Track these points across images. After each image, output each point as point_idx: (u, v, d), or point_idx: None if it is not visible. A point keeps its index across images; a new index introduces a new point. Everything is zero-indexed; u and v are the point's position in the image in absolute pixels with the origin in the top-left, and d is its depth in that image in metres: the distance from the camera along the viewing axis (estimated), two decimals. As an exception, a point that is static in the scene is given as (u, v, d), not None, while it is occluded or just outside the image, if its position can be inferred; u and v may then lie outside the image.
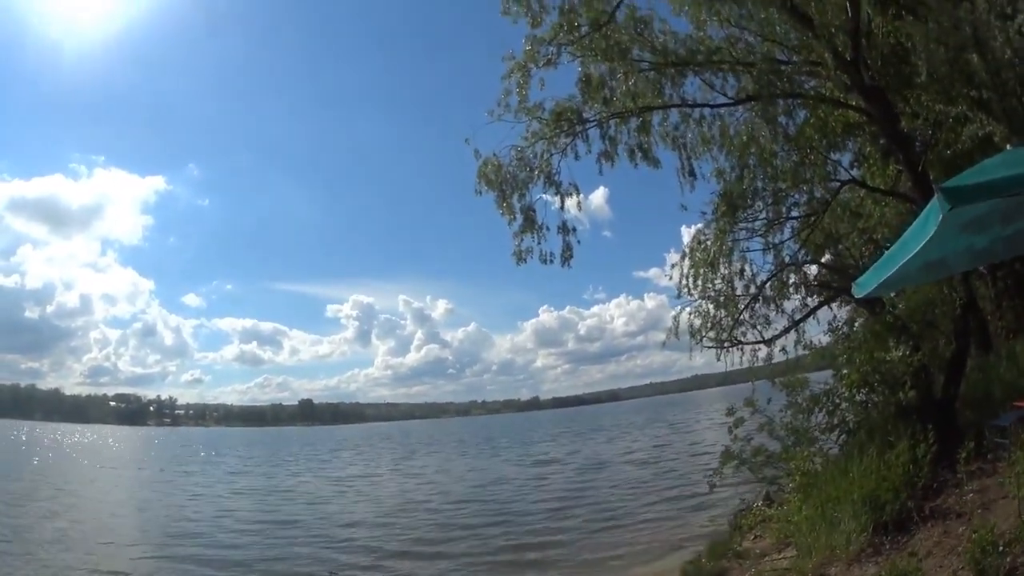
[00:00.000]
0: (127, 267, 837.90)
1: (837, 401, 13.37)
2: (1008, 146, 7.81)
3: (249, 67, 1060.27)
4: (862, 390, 12.67)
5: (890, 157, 14.75)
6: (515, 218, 14.90)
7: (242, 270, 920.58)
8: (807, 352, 16.21)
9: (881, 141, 15.09)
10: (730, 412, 15.80)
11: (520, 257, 14.95)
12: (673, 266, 16.84)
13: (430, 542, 18.80)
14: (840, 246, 16.11)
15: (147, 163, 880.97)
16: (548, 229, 14.91)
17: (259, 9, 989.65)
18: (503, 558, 16.63)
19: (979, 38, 11.61)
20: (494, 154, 14.77)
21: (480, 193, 14.98)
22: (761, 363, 16.39)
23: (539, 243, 14.89)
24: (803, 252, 16.18)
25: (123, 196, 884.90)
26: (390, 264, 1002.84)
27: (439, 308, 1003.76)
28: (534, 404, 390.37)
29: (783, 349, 16.28)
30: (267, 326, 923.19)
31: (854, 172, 16.06)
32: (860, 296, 8.89)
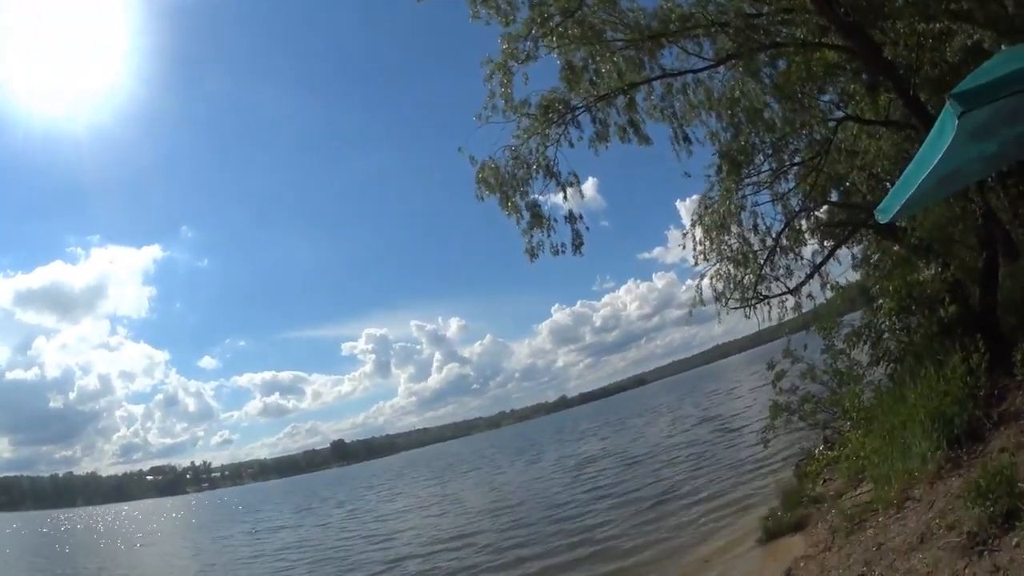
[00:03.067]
0: (139, 341, 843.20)
1: (880, 330, 13.32)
2: (1002, 46, 7.82)
3: (226, 124, 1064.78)
4: (902, 316, 12.64)
5: (876, 90, 14.78)
6: (522, 216, 14.95)
7: (252, 324, 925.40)
8: (835, 294, 16.39)
9: (863, 76, 15.16)
10: (771, 366, 15.82)
11: (532, 253, 14.95)
12: (685, 234, 16.97)
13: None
14: (846, 185, 16.17)
15: (141, 234, 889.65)
16: (556, 221, 14.98)
17: (231, 65, 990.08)
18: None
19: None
20: (490, 157, 14.81)
21: (482, 199, 14.99)
22: (791, 314, 16.51)
23: (549, 236, 14.94)
24: (810, 198, 16.23)
25: (123, 271, 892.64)
26: (396, 293, 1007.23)
27: (452, 326, 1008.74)
28: (562, 404, 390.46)
29: (810, 295, 16.38)
30: (286, 375, 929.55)
31: (839, 112, 16.14)
32: (884, 221, 8.88)
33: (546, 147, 14.81)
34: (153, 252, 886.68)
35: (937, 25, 13.20)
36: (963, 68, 13.36)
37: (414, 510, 37.75)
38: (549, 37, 13.93)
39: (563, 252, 14.88)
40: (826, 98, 16.17)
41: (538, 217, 14.95)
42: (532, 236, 14.93)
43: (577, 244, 14.88)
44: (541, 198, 15.12)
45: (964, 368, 9.44)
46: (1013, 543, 5.95)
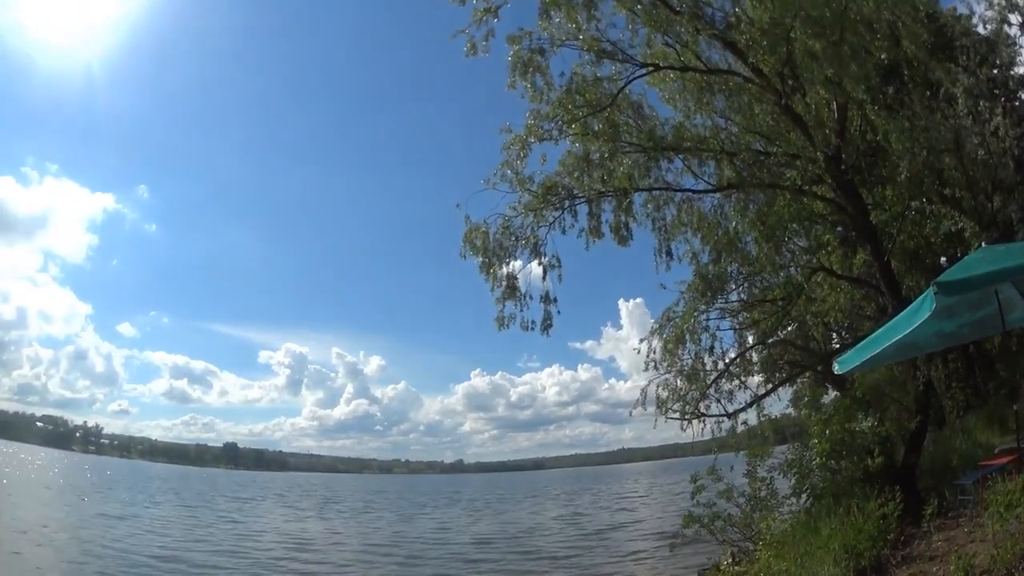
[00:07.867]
0: (66, 286, 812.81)
1: (810, 467, 14.13)
2: (983, 243, 8.93)
3: (213, 99, 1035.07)
4: (832, 457, 13.44)
5: (849, 245, 15.89)
6: (499, 285, 15.53)
7: (180, 305, 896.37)
8: (767, 425, 17.28)
9: (838, 229, 16.29)
10: (694, 479, 16.53)
11: (502, 323, 15.53)
12: (642, 340, 17.93)
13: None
14: (806, 328, 17.13)
15: (99, 178, 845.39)
16: (531, 298, 15.53)
17: (231, 45, 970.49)
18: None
19: (959, 140, 12.91)
20: (484, 220, 15.44)
21: (464, 257, 15.55)
22: (723, 433, 17.32)
23: (521, 310, 15.49)
24: (769, 334, 17.13)
25: (71, 210, 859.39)
26: (326, 315, 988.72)
27: (372, 364, 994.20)
28: (458, 467, 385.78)
29: (745, 422, 17.23)
30: (199, 364, 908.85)
31: (809, 259, 17.14)
32: (841, 372, 9.99)
33: (539, 226, 15.40)
34: (105, 201, 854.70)
35: (926, 203, 14.41)
36: (938, 246, 14.58)
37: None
38: (573, 125, 14.62)
39: (532, 329, 15.49)
40: (802, 243, 17.22)
41: (512, 289, 15.53)
42: (504, 306, 15.53)
43: (547, 325, 15.45)
44: (518, 272, 15.70)
45: (880, 512, 10.38)
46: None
